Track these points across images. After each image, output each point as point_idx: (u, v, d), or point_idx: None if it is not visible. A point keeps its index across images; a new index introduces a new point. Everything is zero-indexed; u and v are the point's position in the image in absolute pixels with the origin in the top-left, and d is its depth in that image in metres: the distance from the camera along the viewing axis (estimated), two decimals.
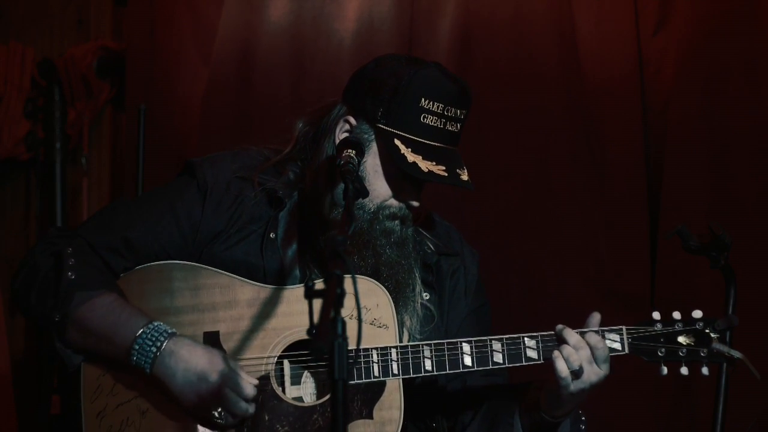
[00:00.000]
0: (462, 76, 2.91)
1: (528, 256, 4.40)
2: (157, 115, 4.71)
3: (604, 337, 2.79)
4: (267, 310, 2.79)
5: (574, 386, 2.75)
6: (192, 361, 2.69)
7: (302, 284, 2.82)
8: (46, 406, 4.84)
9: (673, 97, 4.28)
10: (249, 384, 2.69)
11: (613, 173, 4.37)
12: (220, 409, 2.69)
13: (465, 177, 2.85)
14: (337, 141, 2.88)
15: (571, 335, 2.76)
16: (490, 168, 4.42)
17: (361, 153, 2.77)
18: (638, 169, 4.34)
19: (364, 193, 2.70)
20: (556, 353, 2.74)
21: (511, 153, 4.44)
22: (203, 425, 2.74)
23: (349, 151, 2.74)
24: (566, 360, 2.73)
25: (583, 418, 2.90)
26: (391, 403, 2.76)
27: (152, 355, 2.69)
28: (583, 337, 2.76)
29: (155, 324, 2.72)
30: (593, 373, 2.76)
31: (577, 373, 2.74)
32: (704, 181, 4.22)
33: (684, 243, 3.21)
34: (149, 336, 2.70)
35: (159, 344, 2.69)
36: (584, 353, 2.74)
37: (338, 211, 2.83)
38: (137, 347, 2.70)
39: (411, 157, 2.79)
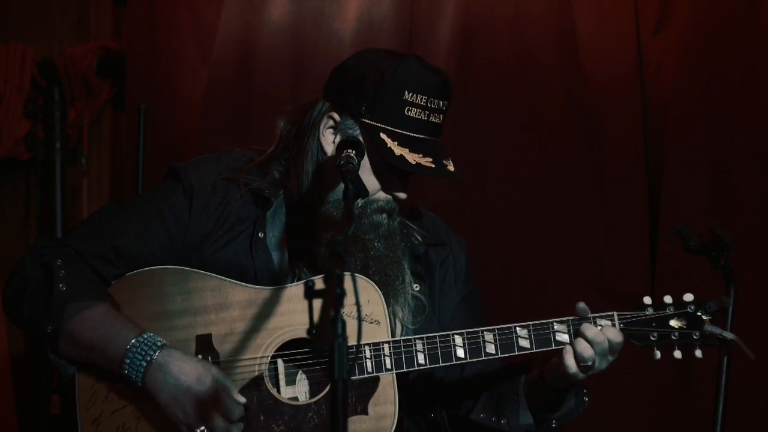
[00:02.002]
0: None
1: (528, 256, 4.39)
2: (157, 115, 4.70)
3: (595, 323, 2.78)
4: (258, 310, 2.79)
5: (583, 375, 2.75)
6: (181, 377, 2.69)
7: (293, 284, 2.83)
8: (46, 406, 4.84)
9: (673, 97, 4.27)
10: (236, 405, 2.68)
11: (613, 173, 4.36)
12: (203, 428, 2.68)
13: (451, 168, 2.85)
14: (322, 137, 2.89)
15: (589, 329, 2.75)
16: (490, 168, 4.42)
17: (361, 153, 2.76)
18: (638, 169, 4.33)
19: (364, 193, 2.71)
20: (567, 348, 2.74)
21: (511, 153, 4.43)
22: None
23: (349, 150, 2.74)
24: (579, 354, 2.73)
25: (585, 390, 2.90)
26: (386, 398, 2.75)
27: (143, 369, 2.69)
28: (601, 331, 2.75)
29: (145, 336, 2.71)
30: (605, 363, 2.77)
31: (588, 367, 2.74)
32: (704, 181, 4.21)
33: (684, 243, 3.20)
34: (139, 349, 2.69)
35: (149, 358, 2.69)
36: (599, 348, 2.74)
37: (326, 207, 2.84)
38: (128, 361, 2.70)
39: (398, 150, 2.79)
